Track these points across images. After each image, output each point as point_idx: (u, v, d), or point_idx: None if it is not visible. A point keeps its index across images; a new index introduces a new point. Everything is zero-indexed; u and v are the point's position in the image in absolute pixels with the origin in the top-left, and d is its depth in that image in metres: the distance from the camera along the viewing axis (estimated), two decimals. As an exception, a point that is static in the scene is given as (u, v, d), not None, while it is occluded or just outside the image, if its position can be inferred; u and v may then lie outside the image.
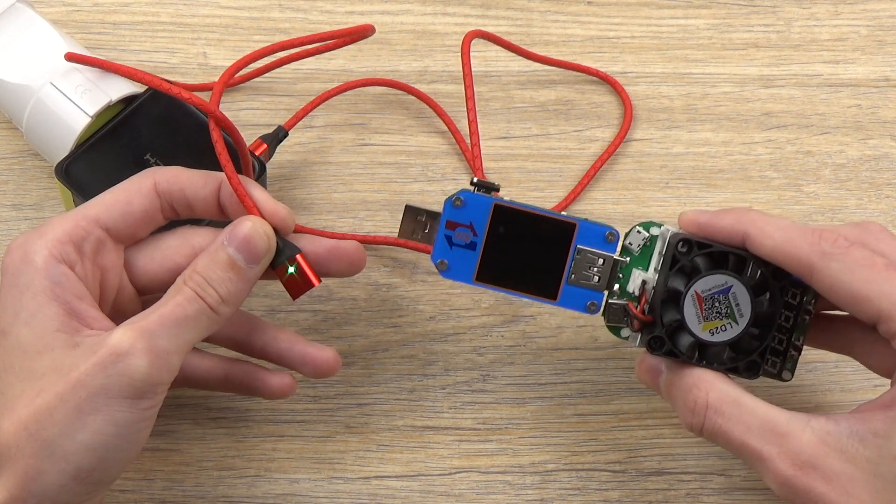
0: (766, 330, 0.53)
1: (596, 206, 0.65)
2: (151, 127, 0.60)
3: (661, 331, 0.52)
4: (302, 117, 0.64)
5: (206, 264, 0.50)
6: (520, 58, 0.67)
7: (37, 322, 0.49)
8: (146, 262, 0.53)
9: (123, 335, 0.48)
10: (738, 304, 0.52)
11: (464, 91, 0.62)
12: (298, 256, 0.53)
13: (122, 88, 0.60)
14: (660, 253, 0.53)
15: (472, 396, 0.61)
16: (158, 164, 0.59)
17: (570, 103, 0.67)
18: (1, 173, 0.64)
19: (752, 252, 0.52)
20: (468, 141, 0.65)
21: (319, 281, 0.53)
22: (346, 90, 0.65)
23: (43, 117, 0.60)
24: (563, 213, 0.54)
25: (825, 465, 0.48)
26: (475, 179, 0.54)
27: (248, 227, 0.51)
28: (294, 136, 0.65)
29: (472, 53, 0.65)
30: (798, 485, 0.48)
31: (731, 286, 0.52)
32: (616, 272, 0.54)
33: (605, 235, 0.54)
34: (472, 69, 0.66)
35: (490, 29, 0.68)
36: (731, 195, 0.65)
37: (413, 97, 0.67)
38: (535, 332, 0.62)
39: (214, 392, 0.59)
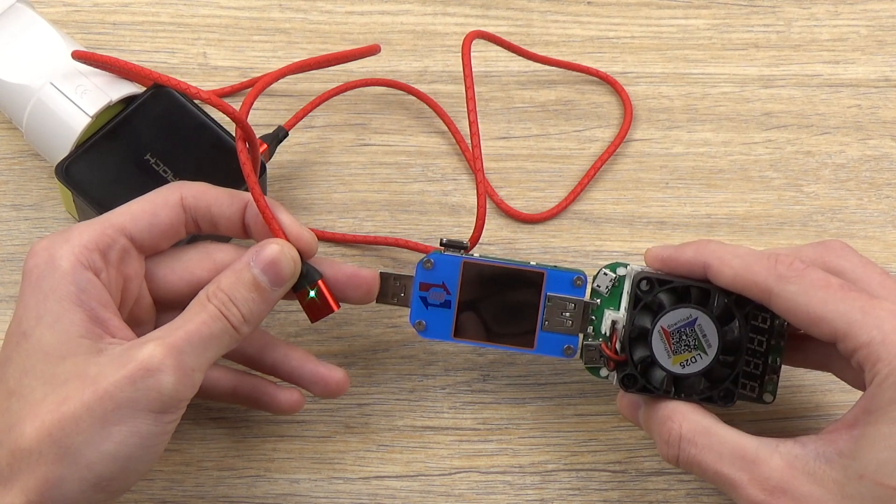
0: (736, 357, 0.54)
1: (596, 207, 0.65)
2: (151, 127, 0.60)
3: (633, 368, 0.54)
4: (302, 117, 0.64)
5: (230, 283, 0.51)
6: (520, 58, 0.67)
7: (61, 327, 0.49)
8: (166, 273, 0.54)
9: (154, 351, 0.48)
10: (704, 335, 0.53)
11: (464, 91, 0.62)
12: (320, 282, 0.54)
13: (122, 89, 0.60)
14: (628, 293, 0.55)
15: (472, 396, 0.61)
16: (158, 165, 0.59)
17: (570, 103, 0.67)
18: (1, 173, 0.64)
19: (713, 282, 0.53)
20: (468, 141, 0.66)
21: (339, 306, 0.55)
22: (346, 90, 0.65)
23: (43, 117, 0.60)
24: (532, 262, 0.56)
25: (794, 488, 0.49)
26: (444, 240, 0.56)
27: (276, 250, 0.52)
28: (294, 136, 0.65)
29: (472, 54, 0.65)
30: None
31: (696, 318, 0.53)
32: (588, 315, 0.56)
33: (573, 281, 0.56)
34: (473, 69, 0.65)
35: (490, 29, 0.68)
36: (731, 195, 0.65)
37: (413, 97, 0.67)
38: (535, 332, 0.62)
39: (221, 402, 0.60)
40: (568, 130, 0.67)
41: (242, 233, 0.54)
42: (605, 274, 0.56)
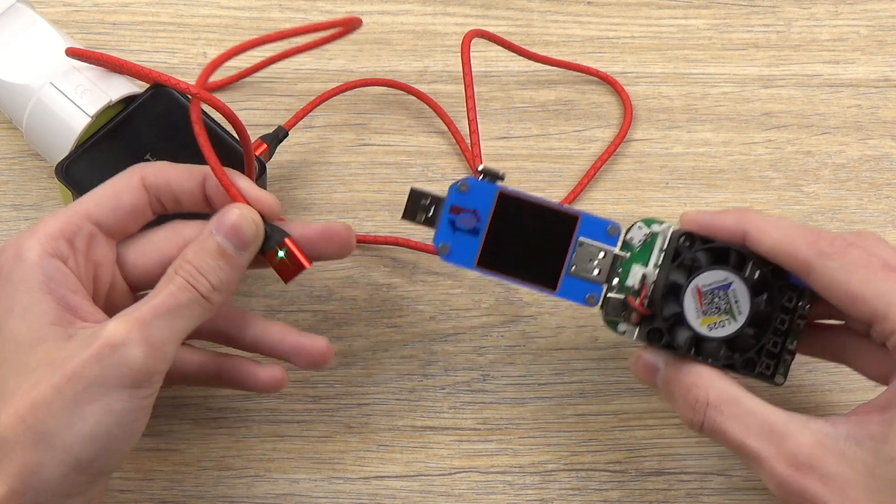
0: (762, 330, 0.53)
1: (596, 206, 0.65)
2: (151, 127, 0.60)
3: (661, 323, 0.52)
4: (302, 117, 0.64)
5: (195, 253, 0.51)
6: (520, 58, 0.67)
7: (31, 316, 0.49)
8: (137, 256, 0.54)
9: (118, 326, 0.48)
10: (737, 301, 0.52)
11: (464, 91, 0.62)
12: (287, 240, 0.53)
13: (122, 88, 0.60)
14: (660, 249, 0.54)
15: (472, 396, 0.61)
16: (158, 164, 0.59)
17: (570, 103, 0.67)
18: (1, 173, 0.64)
19: (751, 250, 0.52)
20: (468, 141, 0.66)
21: (310, 263, 0.54)
22: (346, 90, 0.65)
23: (43, 117, 0.60)
24: (567, 205, 0.55)
25: (822, 466, 0.48)
26: (481, 167, 0.54)
27: (236, 214, 0.52)
28: (294, 137, 0.65)
29: (472, 53, 0.65)
30: (794, 485, 0.48)
31: (732, 283, 0.52)
32: (616, 266, 0.54)
33: (608, 229, 0.54)
34: (472, 69, 0.66)
35: (490, 29, 0.68)
36: (731, 195, 0.65)
37: (413, 97, 0.67)
38: (535, 332, 0.62)
39: (213, 391, 0.60)
40: (568, 130, 0.67)
41: (206, 205, 0.54)
42: (640, 228, 0.54)
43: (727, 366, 0.53)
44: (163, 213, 0.54)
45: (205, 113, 0.60)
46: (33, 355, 0.49)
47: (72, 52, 0.59)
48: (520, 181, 0.65)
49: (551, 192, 0.65)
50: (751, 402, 0.50)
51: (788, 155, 0.67)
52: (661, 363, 0.53)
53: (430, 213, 0.54)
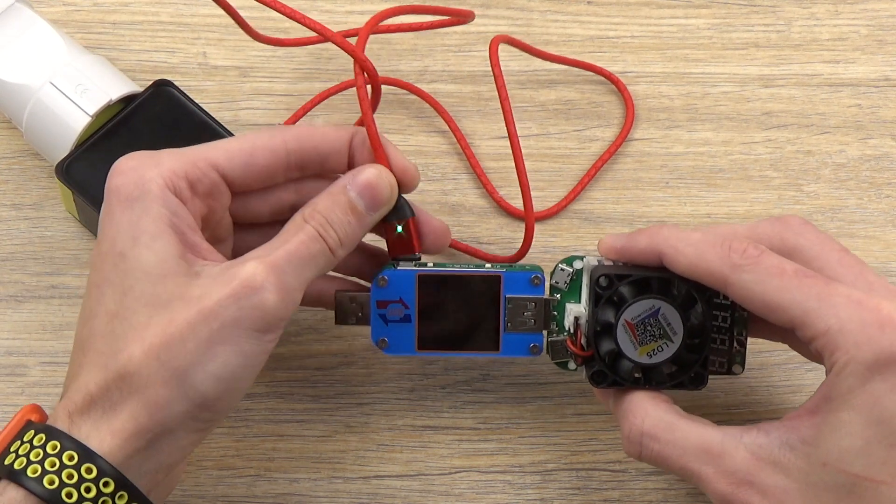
0: (702, 340, 0.53)
1: (596, 206, 0.65)
2: (151, 126, 0.60)
3: (601, 364, 0.54)
4: (302, 116, 0.64)
5: (327, 205, 0.51)
6: (519, 57, 0.67)
7: (159, 247, 0.49)
8: (250, 197, 0.54)
9: (257, 269, 0.48)
10: (669, 324, 0.53)
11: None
12: (410, 220, 0.54)
13: (121, 88, 0.60)
14: (587, 285, 0.54)
15: (472, 396, 0.61)
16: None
17: (570, 103, 0.67)
18: (1, 173, 0.64)
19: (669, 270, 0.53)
20: (468, 140, 0.66)
21: (420, 249, 0.55)
22: (345, 88, 0.65)
23: (43, 117, 0.60)
24: (487, 265, 0.56)
25: (759, 479, 0.49)
26: (396, 256, 0.55)
27: (374, 173, 0.52)
28: (294, 136, 0.65)
29: (471, 53, 0.65)
30: (736, 501, 0.49)
31: (659, 308, 0.53)
32: (550, 311, 0.55)
33: (531, 280, 0.55)
34: (472, 69, 0.66)
35: (490, 29, 0.68)
36: (732, 195, 0.65)
37: (414, 96, 0.67)
38: (535, 331, 0.62)
39: None
40: (568, 130, 0.67)
41: (347, 166, 0.54)
42: (562, 269, 0.55)
43: (677, 385, 0.54)
44: (294, 180, 0.54)
45: (197, 105, 0.60)
46: (163, 287, 0.48)
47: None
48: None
49: (551, 192, 0.65)
50: (686, 425, 0.51)
51: (788, 154, 0.67)
52: (612, 391, 0.55)
53: (361, 313, 0.55)
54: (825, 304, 0.48)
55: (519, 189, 0.58)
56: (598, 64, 0.68)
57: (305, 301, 0.55)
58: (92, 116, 0.59)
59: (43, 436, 0.47)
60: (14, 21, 0.61)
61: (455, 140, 0.66)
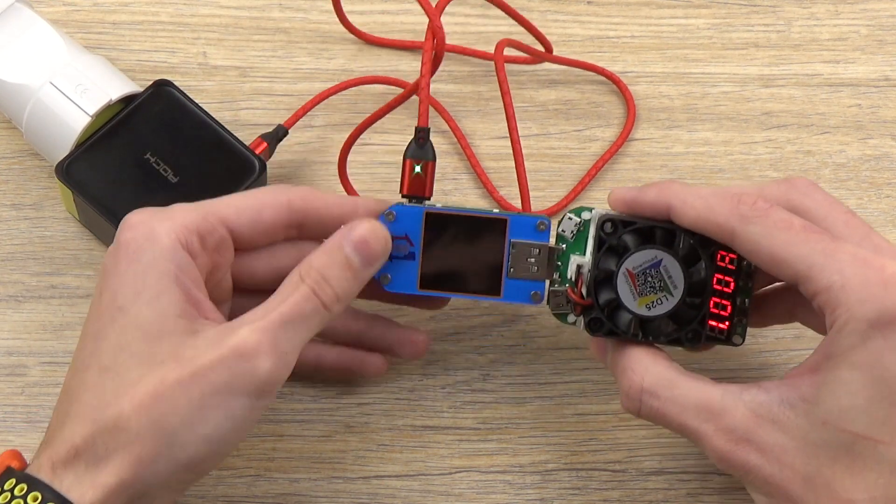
0: (702, 298, 0.53)
1: (596, 206, 0.65)
2: (151, 126, 0.60)
3: (599, 312, 0.53)
4: (301, 116, 0.64)
5: (323, 262, 0.51)
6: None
7: (159, 304, 0.49)
8: (252, 259, 0.54)
9: (250, 333, 0.48)
10: (670, 277, 0.53)
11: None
12: (430, 164, 0.54)
13: (121, 88, 0.60)
14: (593, 237, 0.54)
15: (472, 396, 0.61)
16: (159, 164, 0.59)
17: (570, 103, 0.67)
18: (1, 173, 0.64)
19: (676, 223, 0.53)
20: (468, 140, 0.66)
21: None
22: (345, 88, 0.65)
23: (43, 117, 0.60)
24: (494, 210, 0.56)
25: (758, 437, 0.49)
26: (408, 195, 0.55)
27: (368, 228, 0.52)
28: (294, 136, 0.65)
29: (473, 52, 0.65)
30: (734, 459, 0.49)
31: (661, 259, 0.53)
32: (554, 260, 0.55)
33: (536, 225, 0.55)
34: (472, 69, 0.66)
35: (491, 29, 0.68)
36: (732, 195, 0.65)
37: (414, 97, 0.67)
38: (535, 331, 0.62)
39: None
40: (568, 130, 0.67)
41: None
42: (570, 218, 0.55)
43: (674, 341, 0.53)
44: (294, 239, 0.54)
45: (198, 105, 0.60)
46: (159, 346, 0.48)
47: None
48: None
49: (551, 192, 0.65)
50: (686, 382, 0.51)
51: (788, 154, 0.67)
52: (609, 344, 0.54)
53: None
54: (830, 259, 0.48)
55: (518, 190, 0.59)
56: (599, 64, 0.68)
57: (302, 368, 0.55)
58: (92, 116, 0.59)
59: (24, 486, 0.47)
60: (14, 21, 0.61)
61: (455, 140, 0.66)
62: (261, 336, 0.48)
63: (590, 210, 0.55)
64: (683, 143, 0.67)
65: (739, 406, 0.49)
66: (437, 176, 0.65)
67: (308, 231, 0.54)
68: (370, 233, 0.52)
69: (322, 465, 0.59)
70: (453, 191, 0.65)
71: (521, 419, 0.60)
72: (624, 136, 0.66)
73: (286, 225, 0.53)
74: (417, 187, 0.55)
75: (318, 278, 0.50)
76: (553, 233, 0.55)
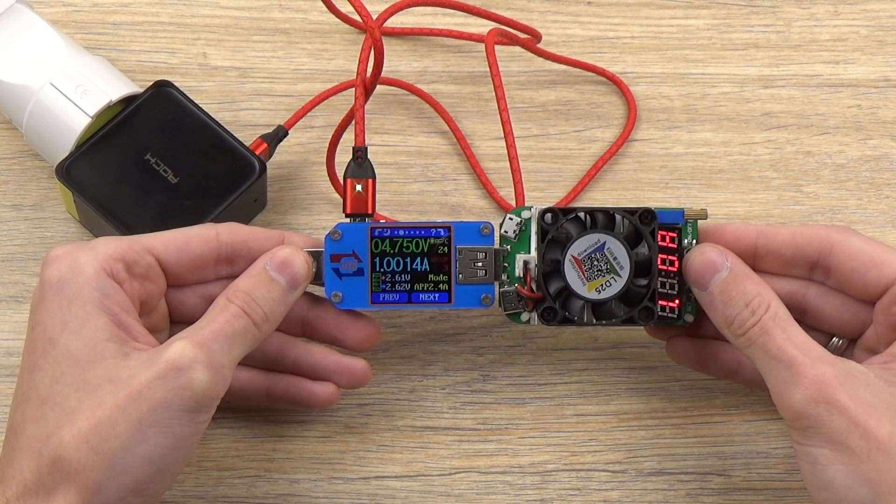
0: (650, 275, 0.55)
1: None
2: (152, 127, 0.60)
3: (551, 301, 0.55)
4: (301, 116, 0.64)
5: (249, 284, 0.52)
6: (520, 58, 0.67)
7: (87, 332, 0.49)
8: (186, 293, 0.55)
9: (184, 348, 0.48)
10: (615, 258, 0.55)
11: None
12: (370, 181, 0.55)
13: (122, 88, 0.60)
14: (536, 233, 0.56)
15: (472, 396, 0.61)
16: (159, 165, 0.59)
17: (569, 103, 0.67)
18: (1, 173, 0.64)
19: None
20: (468, 140, 0.66)
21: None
22: (345, 89, 0.65)
23: (43, 118, 0.60)
24: (439, 220, 0.57)
25: (851, 387, 0.50)
26: (348, 213, 0.56)
27: (288, 251, 0.53)
28: (294, 136, 0.65)
29: (471, 53, 0.65)
30: (823, 393, 0.49)
31: (605, 242, 0.55)
32: (500, 262, 0.56)
33: (480, 230, 0.56)
34: (472, 69, 0.65)
35: (484, 30, 0.68)
36: (731, 195, 0.65)
37: (414, 97, 0.67)
38: (535, 332, 0.62)
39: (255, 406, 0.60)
40: (568, 130, 0.67)
41: None
42: (511, 219, 0.56)
43: (627, 321, 0.55)
44: (227, 278, 0.55)
45: (198, 106, 0.61)
46: (92, 372, 0.49)
47: None
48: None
49: (551, 192, 0.65)
50: (799, 327, 0.52)
51: (788, 155, 0.67)
52: (725, 267, 0.54)
53: (315, 269, 0.55)
54: None
55: (512, 176, 0.59)
56: (598, 64, 0.68)
57: (237, 394, 0.56)
58: (92, 117, 0.59)
59: None
60: (14, 22, 0.61)
61: (455, 140, 0.66)
62: (196, 349, 0.49)
63: (529, 209, 0.56)
64: (683, 143, 0.67)
65: (839, 361, 0.51)
66: (437, 177, 0.65)
67: (239, 267, 0.54)
68: (291, 255, 0.53)
69: (322, 465, 0.59)
70: (453, 191, 0.65)
71: (521, 420, 0.61)
72: (624, 137, 0.66)
73: (216, 258, 0.54)
74: (360, 205, 0.56)
75: (247, 298, 0.51)
76: (497, 235, 0.56)
